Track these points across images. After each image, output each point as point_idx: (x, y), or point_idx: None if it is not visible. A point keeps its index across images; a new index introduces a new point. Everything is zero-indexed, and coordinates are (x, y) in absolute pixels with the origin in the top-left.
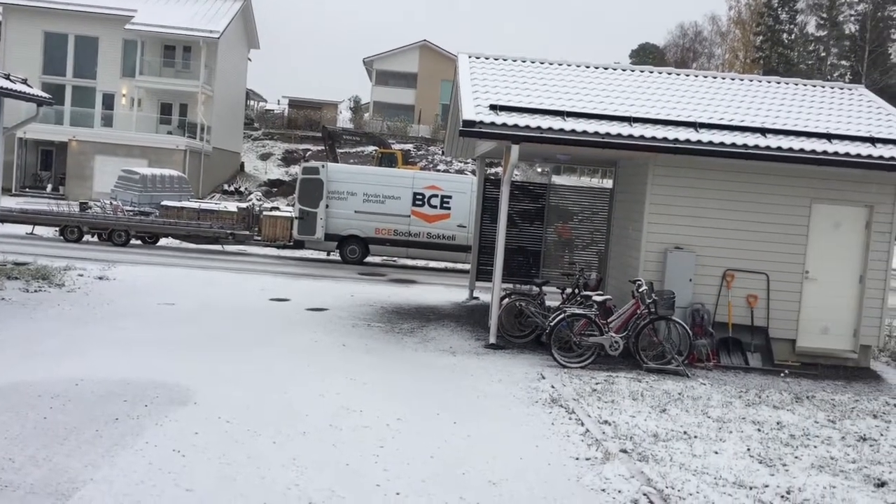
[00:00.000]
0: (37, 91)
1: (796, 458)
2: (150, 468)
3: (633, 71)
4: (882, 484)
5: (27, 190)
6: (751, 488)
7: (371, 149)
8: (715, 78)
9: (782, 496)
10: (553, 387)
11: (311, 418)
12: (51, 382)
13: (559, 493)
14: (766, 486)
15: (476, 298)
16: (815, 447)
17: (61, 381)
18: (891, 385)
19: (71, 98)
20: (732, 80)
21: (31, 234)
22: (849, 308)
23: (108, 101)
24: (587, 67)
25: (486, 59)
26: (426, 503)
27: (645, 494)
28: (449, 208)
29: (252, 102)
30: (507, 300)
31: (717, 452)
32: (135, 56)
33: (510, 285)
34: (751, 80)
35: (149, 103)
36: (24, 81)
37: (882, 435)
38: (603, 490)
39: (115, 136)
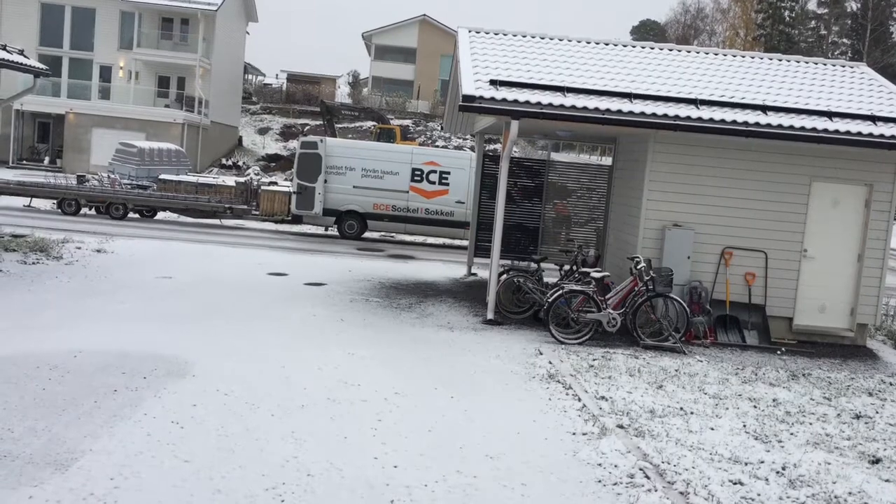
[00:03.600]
0: (33, 62)
1: (792, 434)
2: (148, 439)
3: (633, 47)
4: (877, 461)
5: (24, 162)
6: (746, 464)
7: (370, 124)
8: (716, 55)
9: (778, 472)
10: (550, 363)
11: (309, 392)
12: (49, 354)
13: (556, 467)
14: (762, 462)
15: (474, 274)
16: (811, 424)
17: (60, 353)
18: (886, 363)
19: (68, 70)
20: (734, 56)
21: (29, 206)
22: (846, 287)
23: (106, 73)
24: (588, 43)
25: (487, 33)
26: (424, 476)
27: (641, 469)
28: (447, 184)
29: (250, 76)
30: (505, 276)
31: (713, 428)
32: (132, 28)
33: (508, 262)
34: (752, 58)
35: (146, 76)
36: (21, 52)
37: (877, 412)
38: (599, 465)
39: (113, 109)
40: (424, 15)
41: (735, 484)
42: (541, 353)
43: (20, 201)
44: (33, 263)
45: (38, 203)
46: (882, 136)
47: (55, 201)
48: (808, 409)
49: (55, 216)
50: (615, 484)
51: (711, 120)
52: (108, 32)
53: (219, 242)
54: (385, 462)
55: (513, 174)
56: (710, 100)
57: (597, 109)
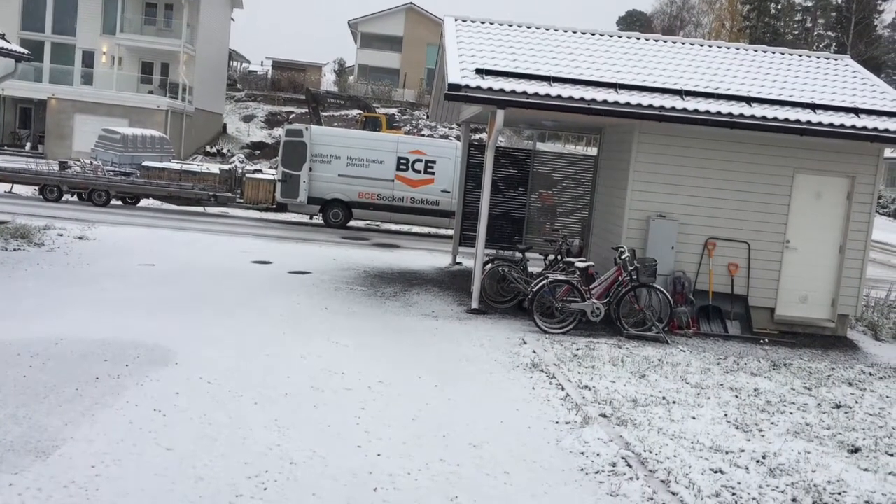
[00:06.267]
0: (15, 46)
1: (772, 423)
2: (130, 427)
3: (620, 37)
4: (856, 450)
5: (6, 148)
6: (727, 453)
7: (355, 112)
8: (702, 46)
9: (758, 461)
10: (534, 352)
11: (292, 380)
12: (30, 341)
13: (539, 455)
14: (743, 451)
15: (459, 264)
16: (791, 414)
17: (41, 341)
18: (867, 354)
19: (50, 55)
20: (719, 48)
21: (10, 192)
22: (828, 278)
23: (88, 58)
24: (574, 33)
25: (473, 22)
26: (407, 465)
27: (623, 458)
28: (433, 173)
29: (235, 63)
30: (490, 266)
31: (694, 418)
32: (115, 13)
33: (493, 251)
34: (737, 49)
35: (129, 62)
36: (2, 37)
37: (857, 402)
38: (582, 453)
39: (95, 95)
40: (411, 3)
41: (716, 472)
42: (525, 343)
43: (1, 187)
44: (14, 250)
45: (19, 189)
46: (865, 128)
47: (37, 188)
48: (788, 399)
49: (37, 203)
50: (597, 472)
51: (696, 111)
52: (91, 17)
53: (202, 230)
54: (368, 450)
55: (498, 164)
56: (696, 91)
57: (582, 99)
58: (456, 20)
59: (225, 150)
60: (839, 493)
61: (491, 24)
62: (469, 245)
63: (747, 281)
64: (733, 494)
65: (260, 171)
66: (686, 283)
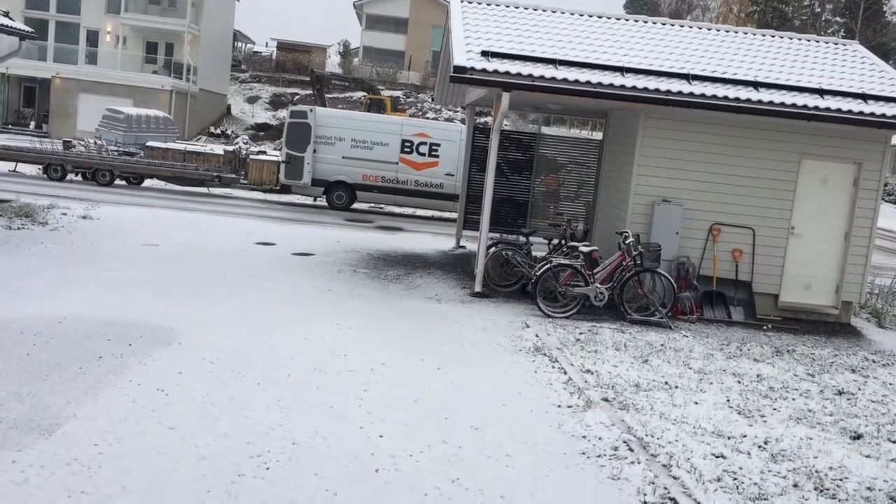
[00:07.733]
0: (19, 24)
1: (775, 409)
2: (133, 406)
3: (626, 20)
4: (858, 437)
5: (10, 127)
6: (729, 438)
7: (360, 94)
8: (709, 30)
9: (760, 446)
10: (537, 336)
11: (295, 361)
12: (34, 320)
13: (541, 438)
14: (745, 436)
15: (463, 247)
16: (794, 400)
17: (44, 319)
18: (870, 341)
19: (54, 34)
20: (727, 32)
21: (14, 171)
22: (832, 264)
23: (93, 38)
24: (581, 15)
25: (479, 4)
26: (409, 446)
27: (625, 442)
28: (437, 156)
29: (239, 44)
30: (493, 249)
31: (697, 403)
32: None
33: (497, 235)
34: (745, 34)
35: (134, 41)
36: (6, 14)
37: (860, 389)
38: (584, 437)
39: (100, 74)
40: None
41: (717, 457)
42: (528, 326)
43: (5, 166)
44: (18, 229)
45: (23, 168)
46: (872, 114)
47: (41, 167)
48: (791, 385)
49: (41, 182)
50: (599, 456)
51: (703, 95)
52: None
53: (206, 211)
54: (371, 432)
55: (503, 147)
56: (702, 75)
57: (588, 83)
58: (462, 2)
59: (229, 131)
60: (841, 480)
61: (497, 6)
62: (473, 228)
63: (751, 267)
64: (735, 479)
65: (264, 152)
66: (690, 268)
